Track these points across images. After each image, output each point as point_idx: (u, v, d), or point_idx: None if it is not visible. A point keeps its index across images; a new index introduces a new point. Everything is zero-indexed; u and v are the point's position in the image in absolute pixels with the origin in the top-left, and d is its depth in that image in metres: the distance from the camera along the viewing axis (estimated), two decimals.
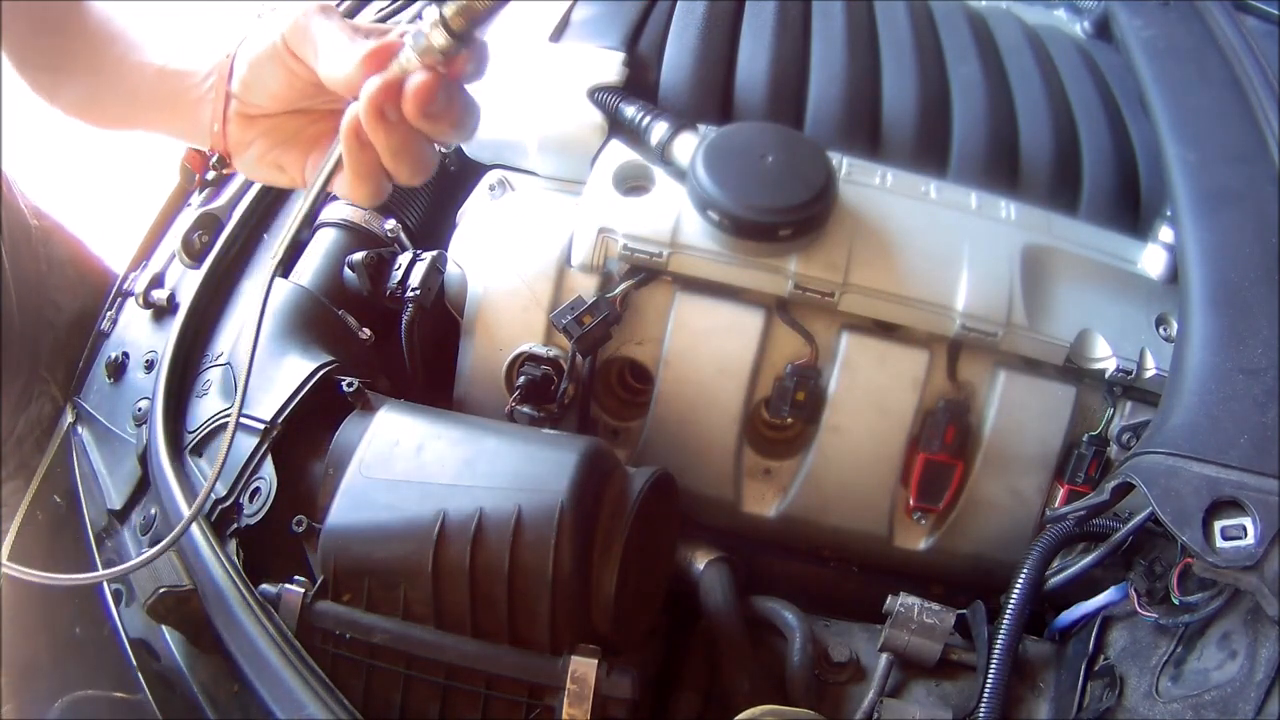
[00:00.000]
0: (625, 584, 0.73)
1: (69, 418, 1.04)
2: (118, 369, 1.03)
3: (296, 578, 0.75)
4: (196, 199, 1.14)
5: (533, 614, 0.70)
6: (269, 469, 0.82)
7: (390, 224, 1.05)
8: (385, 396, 0.84)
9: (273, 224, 1.08)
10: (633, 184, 0.94)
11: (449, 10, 0.63)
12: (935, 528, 0.95)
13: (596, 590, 0.72)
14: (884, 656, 0.82)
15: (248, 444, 0.83)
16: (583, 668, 0.69)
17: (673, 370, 0.92)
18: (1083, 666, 0.77)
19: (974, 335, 0.89)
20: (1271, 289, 0.79)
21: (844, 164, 0.95)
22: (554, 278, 0.92)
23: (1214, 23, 1.08)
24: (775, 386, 0.92)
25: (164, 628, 0.80)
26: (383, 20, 1.29)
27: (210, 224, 1.06)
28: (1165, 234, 0.94)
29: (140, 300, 1.05)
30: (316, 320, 0.94)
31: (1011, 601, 0.79)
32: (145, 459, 0.90)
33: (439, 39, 0.63)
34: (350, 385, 0.84)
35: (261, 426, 0.83)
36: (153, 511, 0.87)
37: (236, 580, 0.76)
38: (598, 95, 0.97)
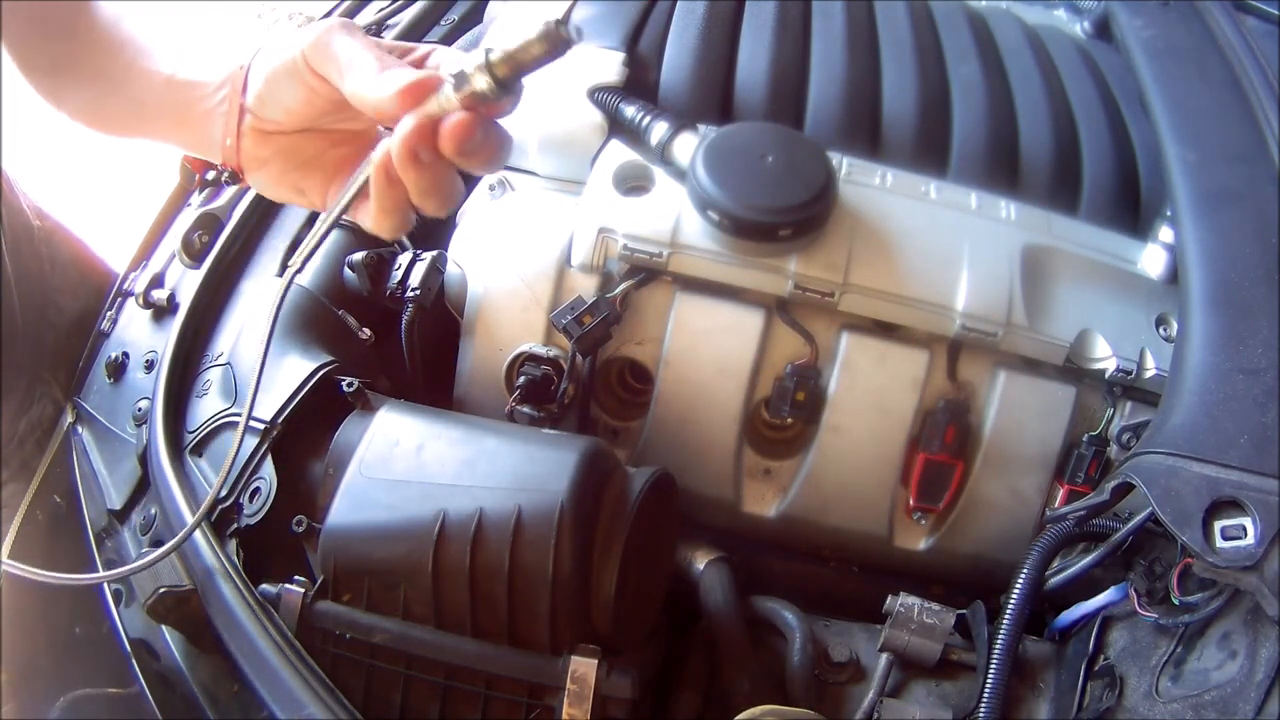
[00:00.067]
0: (625, 584, 0.73)
1: (69, 418, 1.04)
2: (118, 369, 1.03)
3: (296, 578, 0.75)
4: (196, 199, 1.13)
5: (533, 614, 0.70)
6: (269, 469, 0.82)
7: None
8: (385, 396, 0.84)
9: (273, 224, 1.08)
10: (633, 184, 0.94)
11: (495, 57, 0.62)
12: (935, 528, 0.95)
13: (596, 590, 0.72)
14: (884, 656, 0.82)
15: (248, 444, 0.83)
16: (583, 668, 0.69)
17: (673, 370, 0.92)
18: (1083, 666, 0.77)
19: (974, 335, 0.89)
20: (1271, 289, 0.79)
21: (844, 164, 0.95)
22: (554, 278, 0.92)
23: (1214, 23, 1.08)
24: (775, 386, 0.92)
25: (164, 628, 0.80)
26: (382, 20, 1.29)
27: (210, 224, 1.06)
28: (1165, 234, 0.94)
29: (140, 300, 1.05)
30: (316, 320, 0.94)
31: (1011, 601, 0.79)
32: (145, 459, 0.90)
33: (482, 83, 0.62)
34: (350, 385, 0.84)
35: (262, 426, 0.83)
36: (153, 511, 0.87)
37: (236, 580, 0.76)
38: (598, 95, 0.97)
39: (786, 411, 0.91)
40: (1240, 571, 0.65)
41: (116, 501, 0.92)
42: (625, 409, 0.98)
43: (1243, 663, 0.67)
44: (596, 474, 0.74)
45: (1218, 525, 0.67)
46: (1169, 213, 0.93)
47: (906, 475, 0.93)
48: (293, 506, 0.81)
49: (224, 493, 0.82)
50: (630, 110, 0.95)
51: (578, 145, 0.96)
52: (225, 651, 0.74)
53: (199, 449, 0.89)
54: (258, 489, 0.81)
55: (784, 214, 0.86)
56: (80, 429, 1.02)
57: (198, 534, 0.78)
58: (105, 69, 0.76)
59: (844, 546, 0.99)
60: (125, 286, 1.11)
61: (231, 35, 0.76)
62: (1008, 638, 0.77)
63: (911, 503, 0.93)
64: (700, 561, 0.89)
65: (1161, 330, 0.91)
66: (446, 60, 0.69)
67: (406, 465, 0.74)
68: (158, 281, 1.07)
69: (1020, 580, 0.79)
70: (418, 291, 0.94)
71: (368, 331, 0.99)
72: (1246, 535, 0.65)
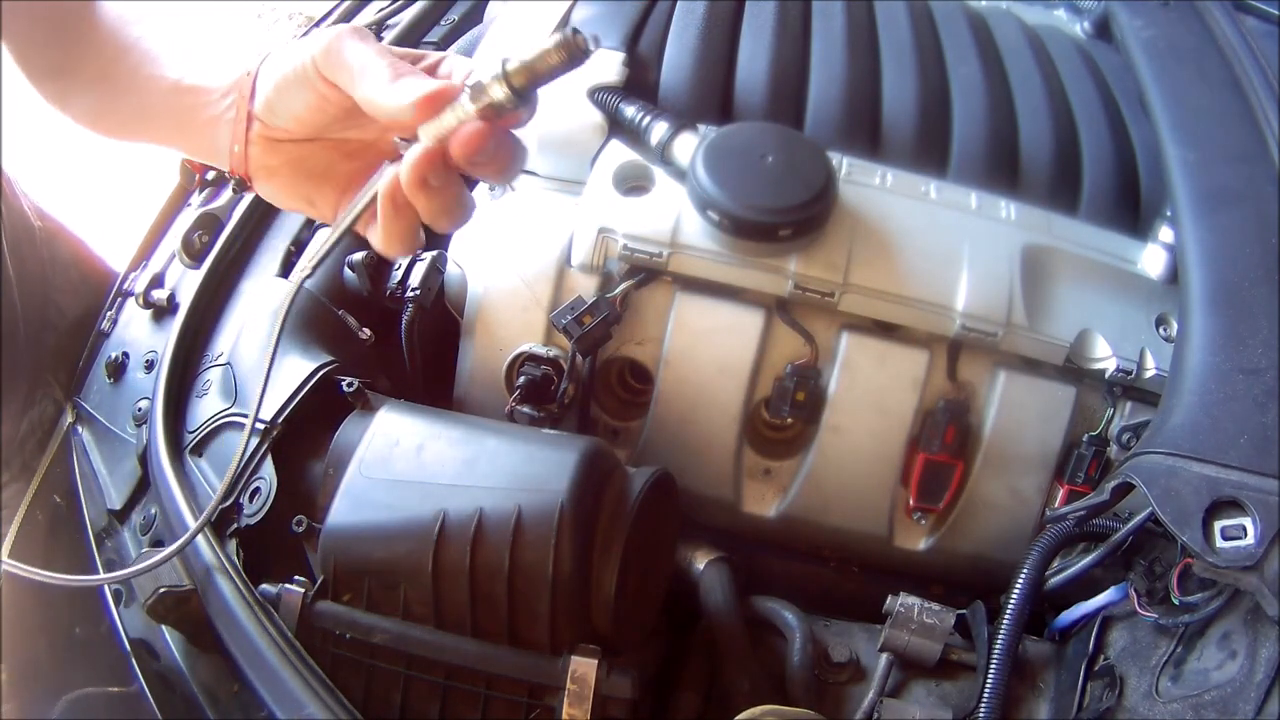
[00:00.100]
0: (625, 584, 0.73)
1: (69, 418, 1.04)
2: (118, 369, 1.03)
3: (296, 578, 0.75)
4: (196, 199, 1.14)
5: (533, 614, 0.70)
6: (269, 469, 0.82)
7: None
8: (385, 396, 0.84)
9: (273, 224, 1.08)
10: (633, 184, 0.94)
11: (512, 66, 0.61)
12: (935, 528, 0.95)
13: (596, 590, 0.72)
14: (884, 656, 0.82)
15: (249, 445, 0.83)
16: (583, 668, 0.69)
17: (673, 370, 0.92)
18: (1083, 666, 0.77)
19: (974, 335, 0.89)
20: (1271, 289, 0.79)
21: (844, 164, 0.95)
22: (554, 278, 0.92)
23: (1214, 23, 1.08)
24: (775, 386, 0.92)
25: (164, 628, 0.80)
26: (382, 20, 1.29)
27: (210, 224, 1.06)
28: (1165, 234, 0.94)
29: (140, 300, 1.05)
30: (316, 320, 0.94)
31: (1011, 601, 0.79)
32: (145, 459, 0.90)
33: (498, 93, 0.62)
34: (350, 385, 0.84)
35: (262, 426, 0.83)
36: (153, 511, 0.87)
37: (236, 580, 0.76)
38: (598, 95, 0.97)
39: (786, 411, 0.91)
40: (1240, 571, 0.65)
41: (116, 501, 0.92)
42: (625, 409, 0.98)
43: (1243, 663, 0.67)
44: (596, 474, 0.74)
45: (1218, 525, 0.67)
46: (1169, 213, 0.93)
47: (906, 475, 0.93)
48: (293, 506, 0.81)
49: (221, 490, 0.82)
50: (630, 110, 0.95)
51: (578, 145, 0.96)
52: (225, 651, 0.74)
53: (199, 449, 0.89)
54: (258, 489, 0.81)
55: (784, 214, 0.86)
56: (80, 429, 1.02)
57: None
58: (110, 73, 0.75)
59: (844, 546, 0.99)
60: (125, 286, 1.11)
61: (237, 40, 0.75)
62: (1008, 638, 0.77)
63: (911, 503, 0.93)
64: (700, 561, 0.89)
65: (1161, 330, 0.91)
66: (459, 67, 0.68)
67: (406, 465, 0.74)
68: (158, 281, 1.07)
69: (1020, 580, 0.79)
70: (418, 291, 0.95)
71: (368, 331, 0.99)
72: (1246, 535, 0.65)
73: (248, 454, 0.82)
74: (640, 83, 1.01)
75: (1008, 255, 0.91)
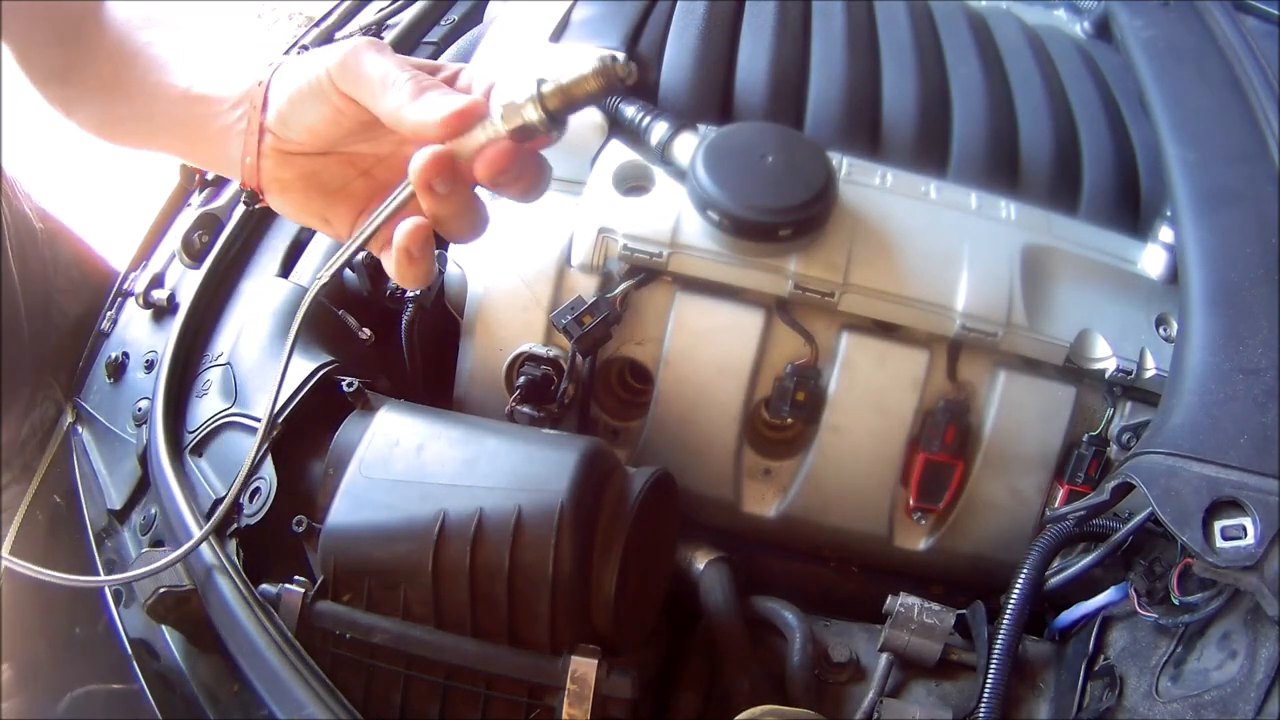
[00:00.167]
0: (625, 584, 0.73)
1: (69, 418, 1.04)
2: (118, 369, 1.03)
3: (296, 578, 0.75)
4: (196, 199, 1.14)
5: (533, 614, 0.70)
6: (269, 469, 0.82)
7: None
8: (385, 396, 0.84)
9: (273, 224, 1.09)
10: (633, 184, 0.94)
11: (548, 89, 0.61)
12: (935, 528, 0.95)
13: (596, 590, 0.72)
14: (884, 656, 0.82)
15: (248, 444, 0.83)
16: (583, 668, 0.69)
17: (673, 370, 0.92)
18: (1083, 666, 0.77)
19: (974, 335, 0.89)
20: (1271, 289, 0.79)
21: (844, 164, 0.95)
22: (554, 278, 0.92)
23: (1214, 23, 1.08)
24: (775, 386, 0.92)
25: (164, 628, 0.80)
26: (382, 20, 1.29)
27: (210, 224, 1.06)
28: (1165, 234, 0.94)
29: (140, 300, 1.05)
30: (317, 320, 0.94)
31: (1011, 601, 0.79)
32: (145, 459, 0.90)
33: (532, 115, 0.61)
34: (350, 385, 0.84)
35: (262, 427, 0.83)
36: (153, 512, 0.87)
37: (236, 580, 0.76)
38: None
39: (786, 411, 0.91)
40: (1240, 571, 0.65)
41: (116, 501, 0.92)
42: (625, 409, 0.98)
43: (1243, 663, 0.67)
44: (596, 474, 0.74)
45: (1218, 525, 0.67)
46: (1169, 213, 0.93)
47: (906, 475, 0.93)
48: (293, 506, 0.81)
49: (223, 491, 0.82)
50: (630, 110, 0.95)
51: (578, 145, 0.96)
52: (225, 651, 0.74)
53: (199, 449, 0.89)
54: (258, 489, 0.81)
55: (784, 214, 0.86)
56: (80, 429, 1.02)
57: (197, 534, 0.78)
58: (117, 80, 0.73)
59: (844, 546, 0.99)
60: (125, 286, 1.11)
61: (249, 47, 0.72)
62: (1008, 638, 0.77)
63: (911, 503, 0.93)
64: (700, 561, 0.89)
65: (1161, 330, 0.91)
66: (478, 79, 0.67)
67: (406, 465, 0.74)
68: (158, 281, 1.07)
69: (1020, 580, 0.79)
70: (418, 291, 0.95)
71: (368, 331, 0.99)
72: (1246, 535, 0.65)
73: (256, 459, 0.82)
74: (640, 83, 1.01)
75: (1008, 255, 0.91)
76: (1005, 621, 0.78)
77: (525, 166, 0.64)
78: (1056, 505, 0.91)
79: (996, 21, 1.20)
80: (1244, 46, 1.03)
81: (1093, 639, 0.78)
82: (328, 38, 1.27)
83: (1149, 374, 0.89)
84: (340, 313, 0.97)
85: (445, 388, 0.99)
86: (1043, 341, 0.89)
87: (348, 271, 0.97)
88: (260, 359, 0.91)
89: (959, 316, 0.88)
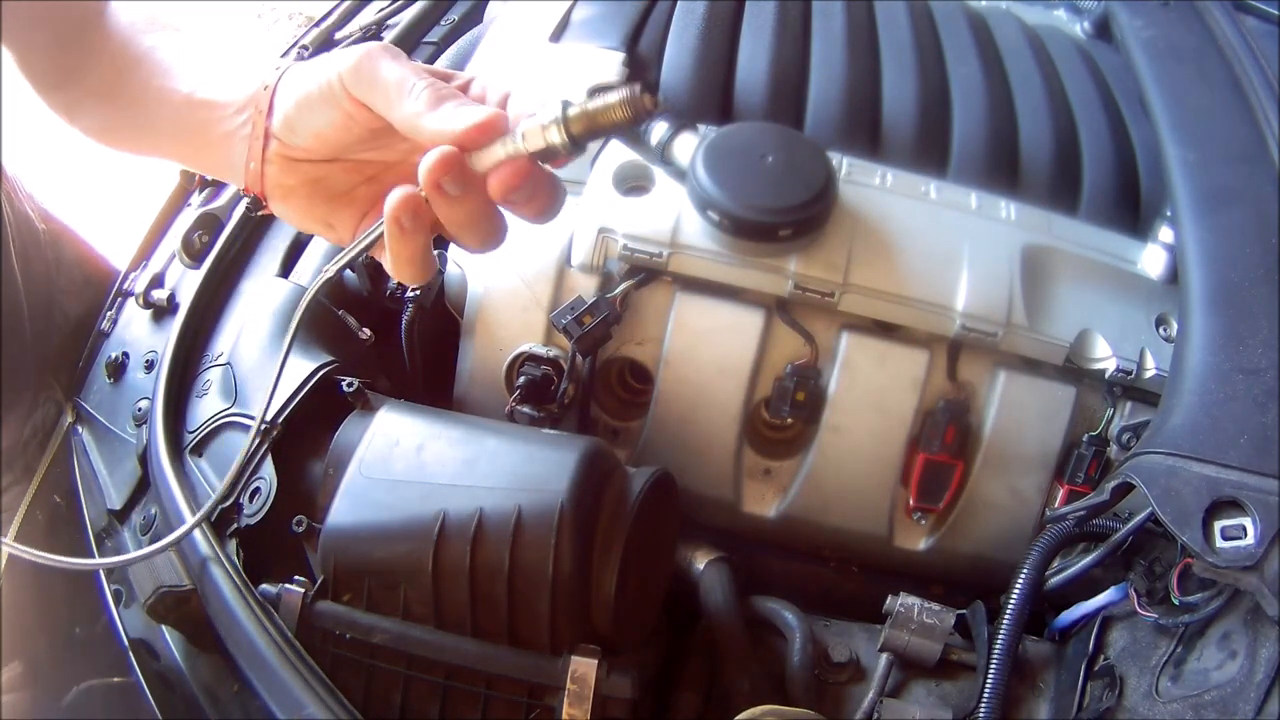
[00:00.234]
0: (625, 584, 0.73)
1: (69, 418, 1.04)
2: (118, 369, 1.03)
3: (296, 578, 0.75)
4: (196, 199, 1.14)
5: (533, 614, 0.70)
6: (269, 469, 0.82)
7: None
8: (385, 396, 0.84)
9: (273, 224, 1.09)
10: (633, 184, 0.94)
11: (573, 113, 0.60)
12: (935, 528, 0.95)
13: (596, 590, 0.72)
14: (884, 656, 0.82)
15: (250, 444, 0.83)
16: (583, 668, 0.69)
17: (673, 370, 0.92)
18: (1083, 666, 0.77)
19: (974, 335, 0.89)
20: (1271, 289, 0.79)
21: (844, 164, 0.95)
22: (554, 278, 0.92)
23: (1214, 23, 1.08)
24: (775, 386, 0.92)
25: (164, 628, 0.80)
26: (382, 20, 1.29)
27: (210, 224, 1.06)
28: (1165, 234, 0.94)
29: (140, 300, 1.05)
30: (316, 320, 0.94)
31: (1011, 601, 0.79)
32: (145, 459, 0.90)
33: (554, 138, 0.60)
34: (350, 385, 0.84)
35: (263, 427, 0.83)
36: (153, 511, 0.87)
37: (236, 580, 0.76)
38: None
39: (786, 411, 0.91)
40: (1240, 571, 0.65)
41: (116, 501, 0.92)
42: (625, 409, 0.98)
43: (1243, 663, 0.67)
44: (596, 474, 0.74)
45: (1218, 525, 0.67)
46: (1169, 213, 0.93)
47: (906, 475, 0.93)
48: (293, 506, 0.81)
49: (223, 486, 0.82)
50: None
51: None
52: (225, 651, 0.74)
53: (199, 449, 0.89)
54: (258, 489, 0.81)
55: (784, 214, 0.86)
56: (80, 429, 1.02)
57: (197, 534, 0.78)
58: (120, 85, 0.71)
59: (844, 546, 0.99)
60: (125, 286, 1.11)
61: (254, 51, 0.70)
62: (1008, 638, 0.77)
63: (911, 503, 0.93)
64: (700, 561, 0.89)
65: (1161, 330, 0.91)
66: (491, 87, 0.66)
67: (406, 465, 0.74)
68: (158, 281, 1.07)
69: (1020, 580, 0.79)
70: (418, 291, 0.95)
71: (368, 331, 0.99)
72: (1246, 535, 0.65)
73: (251, 454, 0.82)
74: (640, 83, 1.01)
75: (1008, 255, 0.91)
76: (1005, 621, 0.78)
77: (540, 186, 0.63)
78: (1056, 505, 0.91)
79: (996, 21, 1.20)
80: (1244, 46, 1.03)
81: (1093, 639, 0.78)
82: (328, 37, 1.27)
83: (1149, 374, 0.89)
84: (340, 313, 0.97)
85: (445, 388, 0.99)
86: (1043, 341, 0.89)
87: (348, 271, 0.97)
88: (260, 359, 0.91)
89: (959, 316, 0.88)
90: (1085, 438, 0.91)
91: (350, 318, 0.98)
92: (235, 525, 0.81)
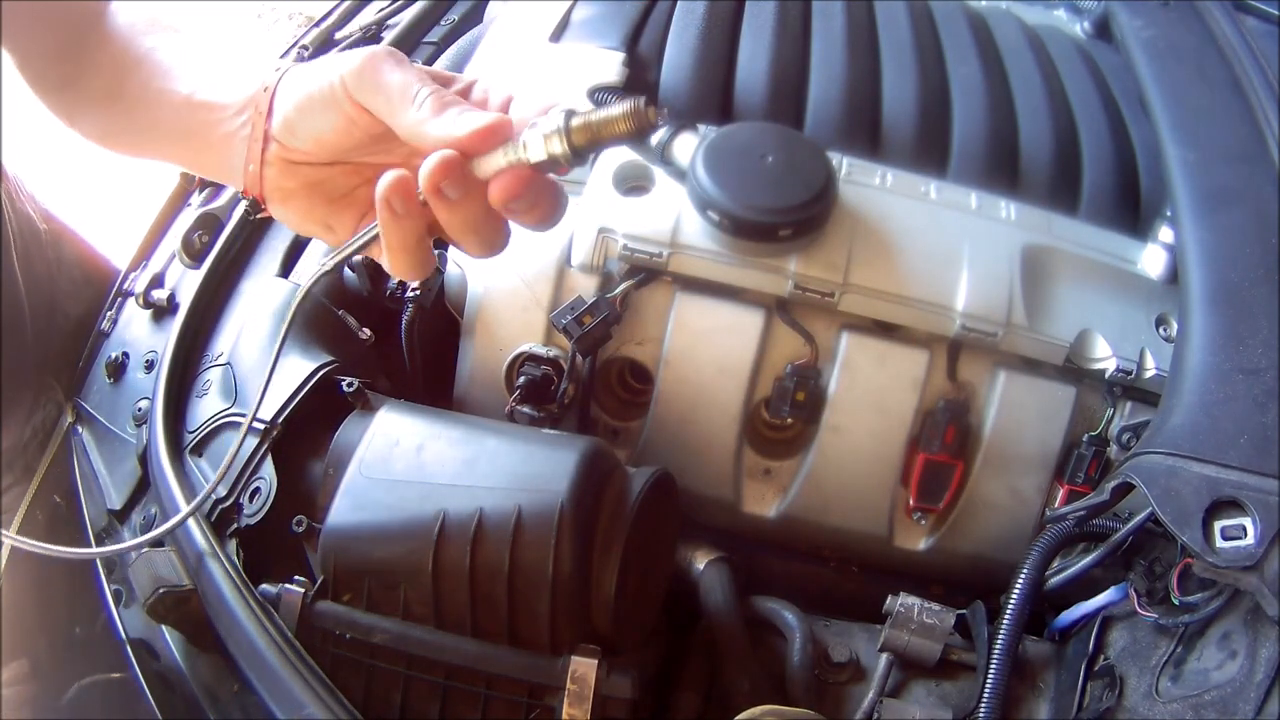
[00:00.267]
0: (625, 584, 0.73)
1: (69, 418, 1.04)
2: (118, 369, 1.03)
3: (296, 578, 0.75)
4: (196, 199, 1.14)
5: (533, 614, 0.70)
6: (269, 469, 0.82)
7: None
8: (385, 396, 0.84)
9: (273, 225, 1.09)
10: (633, 184, 0.94)
11: (576, 123, 0.59)
12: (935, 528, 0.95)
13: (596, 590, 0.72)
14: (884, 656, 0.82)
15: (248, 444, 0.83)
16: (583, 668, 0.69)
17: (673, 370, 0.92)
18: (1083, 666, 0.77)
19: (974, 335, 0.89)
20: (1271, 289, 0.79)
21: (844, 164, 0.95)
22: (554, 278, 0.92)
23: (1214, 23, 1.08)
24: (775, 386, 0.92)
25: (164, 628, 0.80)
26: (382, 20, 1.29)
27: (210, 224, 1.06)
28: (1165, 234, 0.94)
29: (140, 300, 1.05)
30: (316, 320, 0.94)
31: (1011, 601, 0.79)
32: (145, 459, 0.90)
33: (556, 148, 0.60)
34: (350, 385, 0.84)
35: (262, 426, 0.83)
36: (153, 511, 0.87)
37: (236, 580, 0.76)
38: (598, 95, 0.97)
39: (786, 411, 0.91)
40: (1240, 571, 0.65)
41: (116, 501, 0.92)
42: (625, 409, 0.98)
43: (1243, 663, 0.67)
44: (596, 474, 0.74)
45: (1218, 525, 0.67)
46: (1169, 213, 0.93)
47: (906, 475, 0.93)
48: (293, 506, 0.81)
49: (223, 491, 0.82)
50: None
51: None
52: (225, 651, 0.74)
53: (199, 449, 0.89)
54: (258, 489, 0.81)
55: (784, 214, 0.86)
56: (80, 429, 1.02)
57: (197, 534, 0.78)
58: (120, 87, 0.71)
59: (844, 546, 0.99)
60: (125, 286, 1.11)
61: (254, 54, 0.70)
62: (1008, 638, 0.77)
63: (911, 503, 0.93)
64: (700, 561, 0.89)
65: (1161, 330, 0.91)
66: (493, 90, 0.65)
67: (406, 465, 0.74)
68: (158, 281, 1.07)
69: (1020, 580, 0.79)
70: (418, 291, 0.95)
71: (368, 331, 0.99)
72: (1246, 535, 0.65)
73: (247, 449, 0.82)
74: (640, 83, 1.01)
75: (1008, 255, 0.91)
76: (1005, 621, 0.78)
77: (542, 195, 0.62)
78: (1056, 505, 0.91)
79: (996, 21, 1.20)
80: (1244, 46, 1.03)
81: (1093, 639, 0.78)
82: (328, 37, 1.27)
83: (1149, 374, 0.89)
84: (340, 313, 0.97)
85: (445, 388, 0.99)
86: (1043, 341, 0.89)
87: (348, 271, 0.97)
88: (260, 359, 0.91)
89: (959, 316, 0.88)
90: (1085, 438, 0.91)
91: (350, 318, 0.98)
92: (235, 525, 0.81)
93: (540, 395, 0.92)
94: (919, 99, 1.02)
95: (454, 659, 0.71)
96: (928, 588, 0.96)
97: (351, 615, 0.72)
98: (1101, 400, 0.92)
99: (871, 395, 0.91)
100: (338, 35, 1.28)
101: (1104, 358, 0.89)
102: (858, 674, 0.84)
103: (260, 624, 0.72)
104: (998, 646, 0.77)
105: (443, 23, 1.29)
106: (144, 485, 0.91)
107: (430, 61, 1.19)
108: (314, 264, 1.02)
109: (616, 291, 0.90)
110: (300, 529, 0.80)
